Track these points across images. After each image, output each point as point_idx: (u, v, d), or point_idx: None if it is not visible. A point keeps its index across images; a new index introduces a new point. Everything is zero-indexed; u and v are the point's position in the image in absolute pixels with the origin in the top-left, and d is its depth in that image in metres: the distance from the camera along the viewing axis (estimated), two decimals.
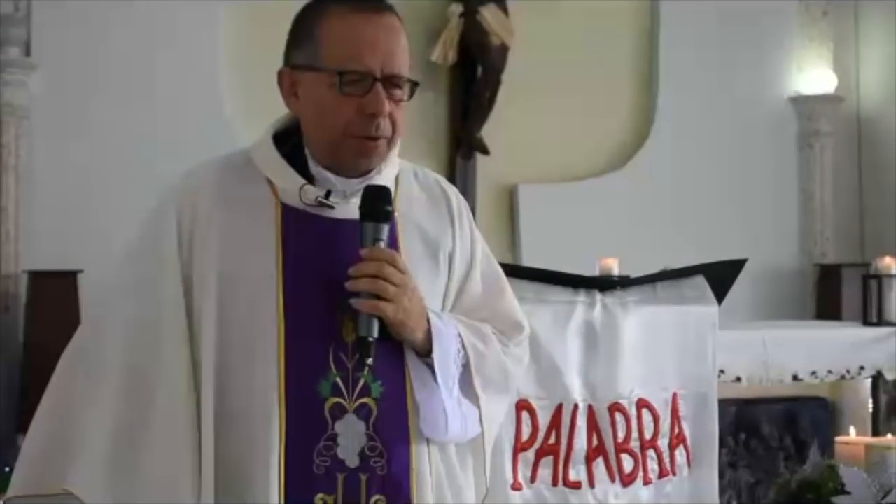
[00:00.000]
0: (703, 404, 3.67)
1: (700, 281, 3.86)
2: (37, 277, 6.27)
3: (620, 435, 3.58)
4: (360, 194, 2.03)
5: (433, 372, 2.05)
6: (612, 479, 3.56)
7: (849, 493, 4.04)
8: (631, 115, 8.05)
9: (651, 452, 3.64)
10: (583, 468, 3.54)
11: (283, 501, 1.93)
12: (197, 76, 6.77)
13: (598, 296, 3.66)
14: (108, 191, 6.55)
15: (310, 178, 2.05)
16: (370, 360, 1.97)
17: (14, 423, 6.13)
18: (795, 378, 4.89)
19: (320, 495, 1.96)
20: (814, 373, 4.92)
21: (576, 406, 3.52)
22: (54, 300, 6.23)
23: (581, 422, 3.54)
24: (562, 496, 3.52)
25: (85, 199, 6.51)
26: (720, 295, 3.88)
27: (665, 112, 7.98)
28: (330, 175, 2.04)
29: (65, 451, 2.01)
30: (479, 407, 2.11)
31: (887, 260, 5.54)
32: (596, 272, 5.46)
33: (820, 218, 8.36)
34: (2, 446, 5.95)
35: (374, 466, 1.99)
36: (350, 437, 1.98)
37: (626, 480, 3.59)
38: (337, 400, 1.98)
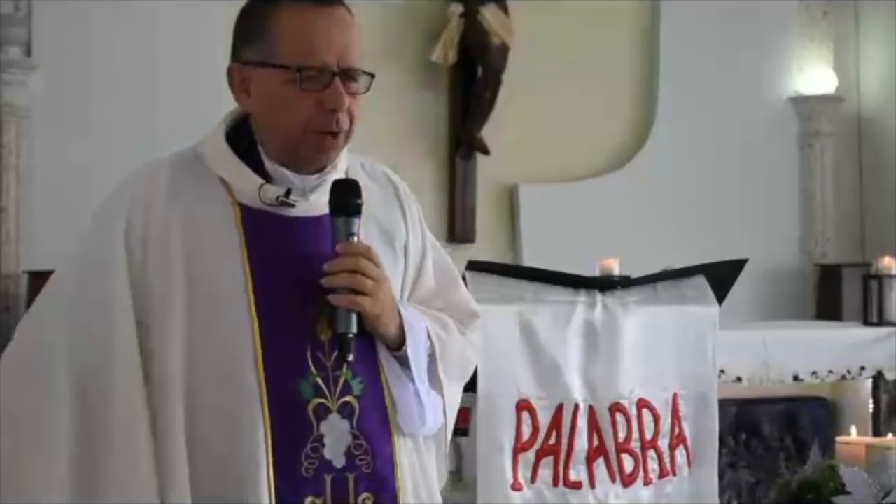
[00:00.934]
0: (704, 404, 3.67)
1: (700, 281, 3.86)
2: (37, 277, 6.26)
3: (621, 435, 3.58)
4: (319, 190, 2.01)
5: (401, 365, 2.05)
6: (613, 480, 3.57)
7: (849, 493, 4.03)
8: (631, 115, 8.05)
9: (651, 452, 3.64)
10: (583, 468, 3.54)
11: None
12: (197, 76, 6.76)
13: (598, 296, 3.66)
14: (108, 191, 6.55)
15: (265, 177, 2.01)
16: (351, 357, 1.96)
17: None
18: (796, 378, 4.88)
19: (310, 498, 1.94)
20: (814, 373, 4.91)
21: (576, 406, 3.52)
22: None
23: (582, 422, 3.55)
24: (562, 496, 3.52)
25: (85, 199, 6.49)
26: (720, 295, 3.88)
27: (665, 112, 7.98)
28: (288, 172, 2.00)
29: (23, 464, 1.94)
30: (442, 396, 2.10)
31: (887, 260, 5.54)
32: (596, 272, 5.46)
33: (820, 218, 8.36)
34: None
35: (360, 465, 1.98)
36: (335, 437, 1.96)
37: (627, 480, 3.59)
38: (319, 400, 1.95)
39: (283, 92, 1.96)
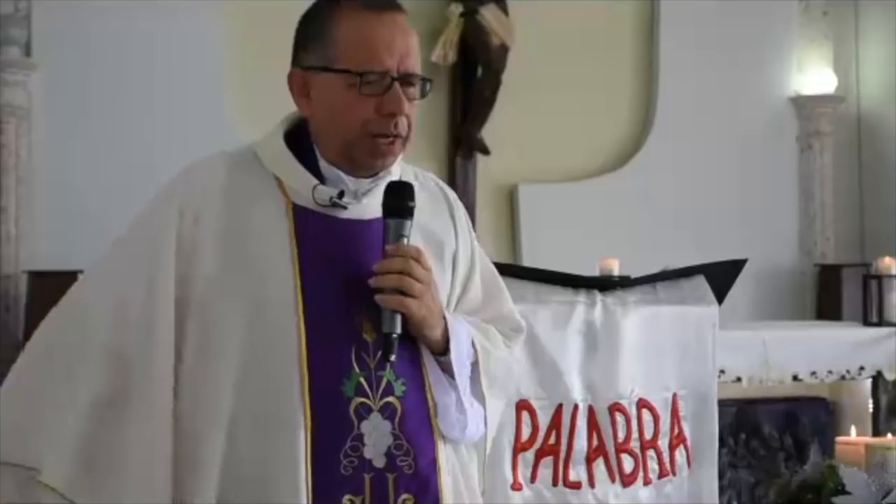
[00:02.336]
0: (703, 404, 3.67)
1: (700, 281, 3.86)
2: (37, 277, 6.27)
3: (621, 435, 3.59)
4: (371, 194, 2.03)
5: (444, 371, 2.05)
6: (613, 480, 3.57)
7: (849, 493, 4.03)
8: (631, 115, 8.05)
9: (651, 452, 3.64)
10: (583, 468, 3.54)
11: (310, 503, 1.91)
12: (197, 76, 6.76)
13: (598, 296, 3.66)
14: (108, 191, 6.55)
15: (320, 178, 2.03)
16: (393, 357, 1.96)
17: None
18: (795, 378, 4.89)
19: (348, 496, 1.94)
20: (814, 373, 4.92)
21: (576, 406, 3.52)
22: (54, 300, 6.22)
23: (581, 422, 3.55)
24: (562, 496, 3.52)
25: (85, 199, 6.51)
26: (720, 295, 3.89)
27: (665, 112, 7.98)
28: (342, 174, 2.03)
29: (38, 427, 1.96)
30: (483, 406, 2.11)
31: (887, 260, 5.55)
32: (596, 272, 5.46)
33: (820, 218, 8.36)
34: None
35: (401, 465, 1.98)
36: (376, 437, 1.96)
37: (627, 481, 3.59)
38: (362, 400, 1.96)
39: (343, 96, 1.99)
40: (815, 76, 8.36)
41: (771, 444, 5.12)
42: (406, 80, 2.03)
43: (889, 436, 4.79)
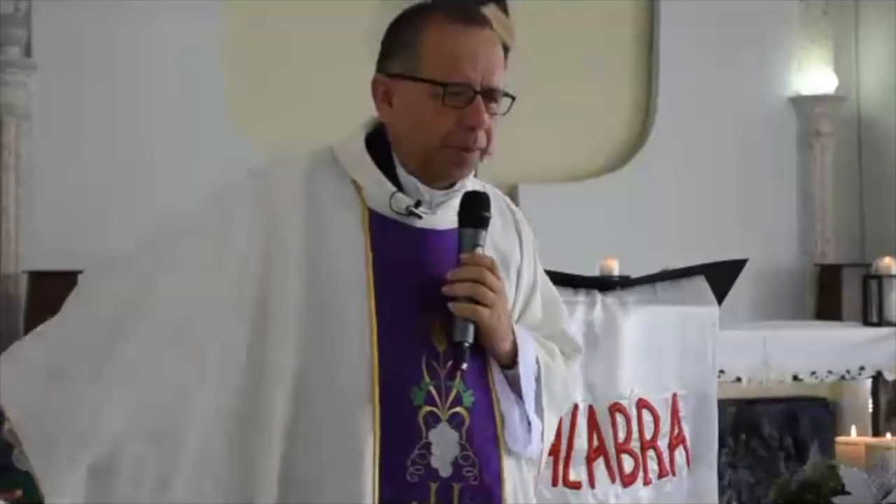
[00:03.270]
0: (703, 404, 3.67)
1: (700, 281, 3.86)
2: (37, 277, 6.27)
3: (621, 435, 3.59)
4: (444, 206, 2.04)
5: (509, 384, 2.05)
6: (613, 480, 3.57)
7: (849, 493, 4.03)
8: (631, 115, 8.05)
9: (651, 453, 3.64)
10: (583, 468, 3.54)
11: None
12: (195, 76, 6.76)
13: (598, 296, 3.66)
14: (107, 191, 6.55)
15: (397, 186, 2.04)
16: (465, 366, 1.96)
17: None
18: (795, 378, 4.89)
19: None
20: (814, 373, 4.92)
21: (576, 406, 3.52)
22: (54, 300, 6.22)
23: (581, 422, 3.55)
24: (562, 496, 3.52)
25: (85, 199, 6.51)
26: (720, 295, 3.89)
27: (665, 112, 7.98)
28: (419, 184, 2.03)
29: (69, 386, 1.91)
30: (542, 421, 2.11)
31: (887, 260, 5.54)
32: (596, 272, 5.46)
33: (820, 218, 8.35)
34: (2, 447, 5.95)
35: (467, 476, 1.97)
36: (443, 447, 1.96)
37: (627, 481, 3.59)
38: (430, 408, 1.96)
39: (426, 105, 2.00)
40: (815, 76, 8.36)
41: (771, 444, 5.12)
42: (489, 94, 2.03)
43: (889, 436, 4.78)
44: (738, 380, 4.65)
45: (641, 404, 3.64)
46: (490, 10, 7.23)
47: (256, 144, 6.83)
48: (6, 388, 1.89)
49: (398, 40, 2.08)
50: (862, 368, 5.01)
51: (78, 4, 6.48)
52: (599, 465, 3.57)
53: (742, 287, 4.01)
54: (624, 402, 3.58)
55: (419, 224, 2.03)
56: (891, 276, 5.42)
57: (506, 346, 2.03)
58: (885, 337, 5.12)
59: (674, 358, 3.68)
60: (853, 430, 4.82)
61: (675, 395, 3.64)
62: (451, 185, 2.06)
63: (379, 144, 2.07)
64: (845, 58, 8.43)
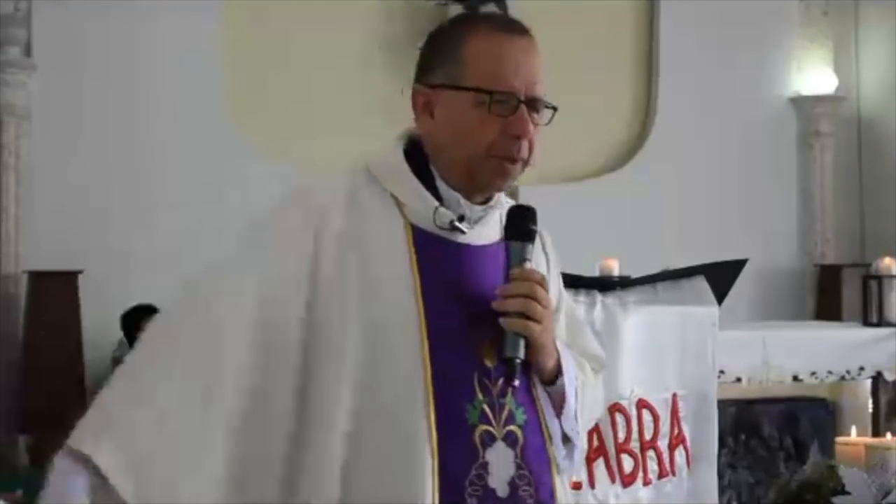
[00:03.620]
0: (703, 404, 3.67)
1: (700, 281, 3.86)
2: (37, 277, 6.27)
3: (621, 435, 3.59)
4: (482, 221, 2.01)
5: (551, 399, 2.03)
6: (613, 480, 3.57)
7: (849, 493, 4.03)
8: (631, 115, 8.05)
9: (651, 453, 3.64)
10: (583, 469, 3.54)
11: None
12: (195, 76, 6.77)
13: (598, 296, 3.66)
14: (107, 191, 6.56)
15: (438, 200, 1.99)
16: (517, 382, 1.93)
17: (14, 422, 6.13)
18: (795, 378, 4.88)
19: None
20: (814, 373, 4.91)
21: None
22: (54, 300, 6.23)
23: None
24: None
25: (85, 199, 6.51)
26: (720, 295, 3.89)
27: (665, 112, 7.98)
28: (460, 198, 1.99)
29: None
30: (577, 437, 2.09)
31: (887, 260, 5.53)
32: (596, 272, 5.46)
33: (820, 218, 8.36)
34: (1, 446, 5.96)
35: (523, 495, 1.94)
36: (500, 466, 1.93)
37: (626, 481, 3.59)
38: (486, 427, 1.93)
39: (470, 114, 1.96)
40: (815, 76, 8.36)
41: (771, 444, 5.11)
42: (532, 104, 1.99)
43: (889, 436, 4.78)
44: (738, 380, 4.64)
45: (641, 404, 3.64)
46: (490, 10, 7.23)
47: (256, 144, 6.84)
48: (109, 460, 1.85)
49: (439, 51, 2.03)
50: (862, 369, 5.00)
51: (78, 5, 6.49)
52: (599, 465, 3.57)
53: (742, 287, 4.01)
54: (624, 403, 3.58)
55: (460, 239, 1.98)
56: (891, 277, 5.42)
57: (551, 363, 2.00)
58: (885, 337, 5.11)
59: (674, 358, 3.68)
60: (853, 430, 4.82)
61: (675, 396, 3.64)
62: (488, 200, 2.02)
63: (416, 158, 2.03)
64: (845, 58, 8.44)
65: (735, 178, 8.00)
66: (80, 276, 6.23)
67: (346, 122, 7.03)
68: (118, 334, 6.17)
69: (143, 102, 6.65)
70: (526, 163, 2.00)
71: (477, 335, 1.95)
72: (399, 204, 1.99)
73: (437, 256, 1.97)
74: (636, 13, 8.06)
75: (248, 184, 6.87)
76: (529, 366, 1.98)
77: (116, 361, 6.65)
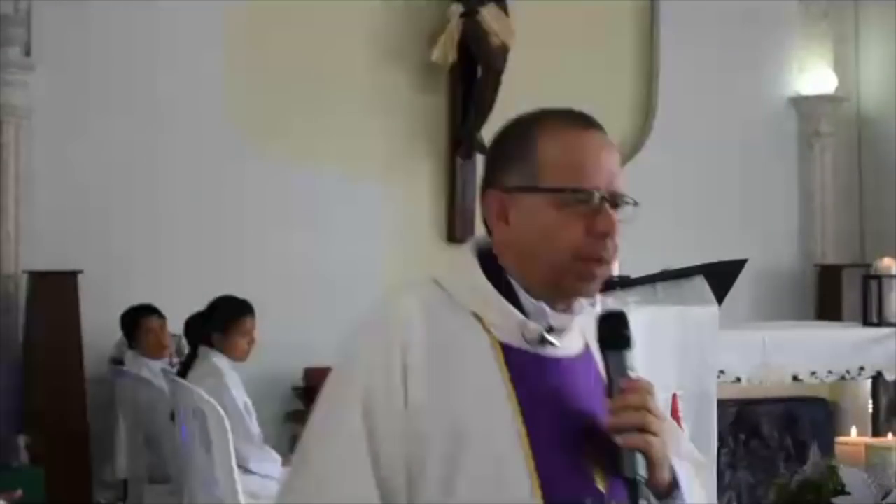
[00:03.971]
0: (703, 404, 3.68)
1: (700, 281, 3.86)
2: (37, 277, 6.27)
3: None
4: (570, 331, 1.87)
5: None
6: None
7: (849, 493, 4.03)
8: (631, 115, 8.05)
9: None
10: None
11: None
12: (196, 77, 6.76)
13: (598, 296, 3.66)
14: (108, 191, 6.55)
15: (522, 313, 1.85)
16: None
17: (14, 423, 6.13)
18: (795, 378, 4.88)
19: None
20: (814, 373, 4.90)
21: None
22: (54, 300, 6.23)
23: None
24: None
25: (85, 200, 6.51)
26: (720, 295, 3.89)
27: (665, 112, 7.98)
28: (546, 308, 1.84)
29: None
30: None
31: (887, 261, 5.53)
32: None
33: (820, 218, 8.36)
34: (2, 446, 5.95)
35: None
36: None
37: None
38: None
39: (551, 217, 1.82)
40: (815, 76, 8.36)
41: (771, 444, 5.11)
42: (614, 200, 1.86)
43: (889, 436, 4.78)
44: (738, 380, 4.64)
45: None
46: (490, 10, 7.24)
47: (256, 145, 6.84)
48: None
49: (509, 152, 1.91)
50: (862, 369, 5.00)
51: (78, 4, 6.48)
52: None
53: (742, 287, 4.01)
54: None
55: (551, 352, 1.84)
56: (891, 277, 5.41)
57: (667, 476, 1.84)
58: (885, 337, 5.11)
59: (674, 358, 3.69)
60: (853, 430, 4.82)
61: (674, 396, 3.65)
62: (569, 308, 1.87)
63: (489, 268, 1.87)
64: (845, 58, 8.44)
65: (735, 178, 8.00)
66: (80, 276, 6.23)
67: (348, 122, 7.03)
68: (118, 334, 6.17)
69: (143, 102, 6.64)
70: (610, 264, 1.87)
71: (585, 457, 1.80)
72: (482, 321, 1.83)
73: (531, 374, 1.82)
74: (636, 13, 8.06)
75: (248, 184, 6.87)
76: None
77: (115, 361, 6.65)
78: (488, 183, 1.90)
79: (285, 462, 5.28)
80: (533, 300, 1.84)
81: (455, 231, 7.39)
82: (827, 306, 7.98)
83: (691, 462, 2.02)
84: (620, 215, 1.87)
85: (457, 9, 7.20)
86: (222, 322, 5.25)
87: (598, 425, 1.81)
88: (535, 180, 1.85)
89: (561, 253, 1.82)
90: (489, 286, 1.85)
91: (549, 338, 1.83)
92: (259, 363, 5.56)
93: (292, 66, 6.95)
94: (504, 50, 7.24)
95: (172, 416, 5.18)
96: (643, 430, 1.79)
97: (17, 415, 6.18)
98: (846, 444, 4.51)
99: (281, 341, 6.16)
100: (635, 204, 1.90)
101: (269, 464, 5.17)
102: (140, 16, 6.62)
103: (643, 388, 1.83)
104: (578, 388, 1.85)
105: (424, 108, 7.35)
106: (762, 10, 8.11)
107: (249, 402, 5.25)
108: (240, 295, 5.37)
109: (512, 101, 7.25)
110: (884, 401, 5.39)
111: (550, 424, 1.80)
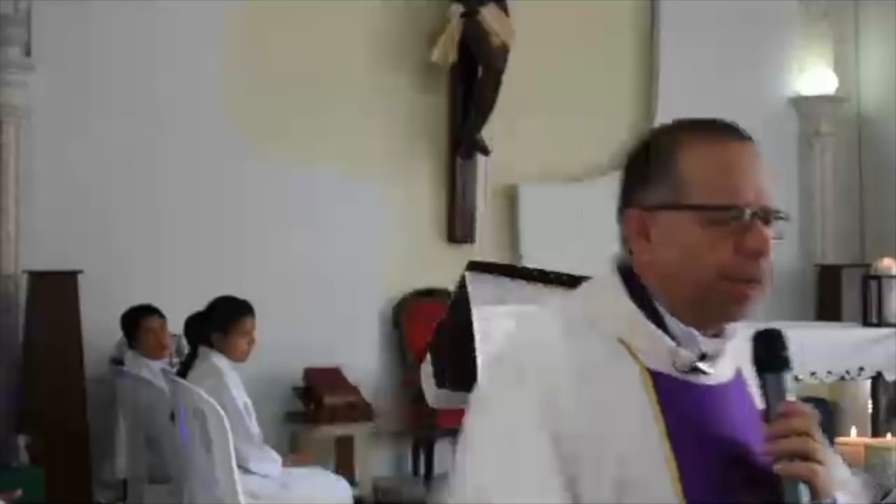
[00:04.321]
0: None
1: None
2: (37, 277, 6.26)
3: None
4: (722, 356, 1.77)
5: None
6: None
7: None
8: (631, 115, 8.05)
9: None
10: None
11: None
12: (195, 76, 6.76)
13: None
14: (107, 191, 6.55)
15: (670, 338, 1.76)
16: None
17: (14, 423, 6.13)
18: (795, 378, 4.88)
19: None
20: (813, 373, 4.90)
21: None
22: (54, 300, 6.23)
23: None
24: None
25: (84, 200, 6.51)
26: None
27: (665, 112, 7.96)
28: (696, 334, 1.74)
29: None
30: None
31: (887, 261, 5.53)
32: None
33: (820, 218, 8.36)
34: (1, 446, 5.95)
35: None
36: None
37: None
38: None
39: (696, 235, 1.72)
40: (815, 76, 8.36)
41: None
42: (767, 216, 1.77)
43: (889, 436, 4.78)
44: None
45: None
46: (490, 10, 7.24)
47: (256, 144, 6.84)
48: None
49: (647, 168, 1.80)
50: (861, 369, 5.00)
51: (78, 4, 6.48)
52: None
53: None
54: None
55: (703, 380, 1.74)
56: (891, 277, 5.41)
57: None
58: (885, 337, 5.11)
59: None
60: (853, 430, 4.82)
61: None
62: (721, 332, 1.78)
63: (632, 290, 1.77)
64: (845, 58, 8.43)
65: None
66: (80, 276, 6.23)
67: (348, 122, 7.03)
68: (118, 334, 6.17)
69: (143, 102, 6.64)
70: (763, 285, 1.75)
71: (741, 492, 1.71)
72: (628, 347, 1.74)
73: (683, 404, 1.72)
74: (636, 13, 8.06)
75: (247, 184, 6.87)
76: None
77: (115, 361, 6.64)
78: (627, 202, 1.81)
79: (285, 462, 5.28)
80: (681, 325, 1.75)
81: (455, 231, 7.39)
82: (827, 306, 7.98)
83: (851, 492, 1.92)
84: (772, 232, 1.77)
85: (457, 9, 7.20)
86: (222, 322, 5.25)
87: (751, 453, 1.71)
88: (677, 197, 1.74)
89: (706, 272, 1.71)
90: (636, 311, 1.75)
91: (702, 366, 1.73)
92: (259, 363, 5.56)
93: (292, 66, 6.95)
94: (504, 50, 7.24)
95: (172, 416, 5.18)
96: (806, 457, 1.67)
97: (16, 415, 6.18)
98: (846, 444, 4.51)
99: (281, 341, 6.16)
100: (787, 219, 1.82)
101: (269, 464, 5.17)
102: (140, 16, 6.62)
103: (805, 413, 1.71)
104: (731, 415, 1.75)
105: (424, 108, 7.35)
106: (762, 10, 8.11)
107: (249, 402, 5.25)
108: (239, 295, 5.37)
109: (512, 101, 7.26)
110: (883, 401, 5.39)
111: (700, 451, 1.70)
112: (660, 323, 1.74)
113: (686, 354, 1.72)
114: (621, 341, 1.74)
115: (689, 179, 1.74)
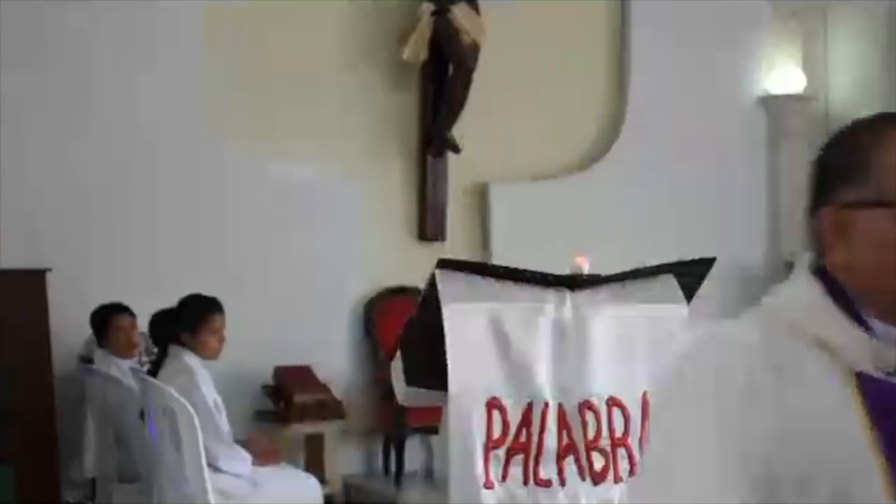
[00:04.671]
0: None
1: (669, 279, 3.87)
2: (4, 276, 6.21)
3: (591, 433, 3.59)
4: None
5: None
6: (583, 478, 3.58)
7: None
8: (602, 113, 8.07)
9: (622, 451, 3.65)
10: (553, 467, 3.55)
11: None
12: (173, 75, 6.72)
13: (567, 294, 3.67)
14: (77, 191, 6.51)
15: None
16: None
17: None
18: None
19: None
20: None
21: (546, 404, 3.53)
22: (22, 298, 6.18)
23: (551, 420, 3.55)
24: (533, 495, 3.53)
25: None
26: (689, 293, 3.90)
27: (636, 111, 8.01)
28: None
29: None
30: None
31: None
32: (567, 270, 5.46)
33: (788, 216, 8.41)
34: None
35: None
36: None
37: (597, 479, 3.60)
38: None
39: None
40: (784, 76, 8.41)
41: None
42: None
43: None
44: None
45: (612, 402, 3.65)
46: (461, 8, 7.24)
47: (235, 144, 6.81)
48: None
49: (842, 164, 1.75)
50: None
51: (46, 4, 6.43)
52: (570, 463, 3.57)
53: (711, 285, 4.03)
54: (594, 400, 3.58)
55: None
56: None
57: None
58: None
59: (644, 356, 3.69)
60: None
61: (645, 394, 3.65)
62: None
63: (828, 291, 1.74)
64: (814, 57, 8.49)
65: (705, 177, 8.03)
66: (49, 275, 6.19)
67: (321, 120, 7.02)
68: (87, 332, 6.13)
69: (114, 102, 6.59)
70: None
71: None
72: (830, 349, 1.71)
73: (888, 404, 1.68)
74: (608, 13, 8.08)
75: (225, 182, 6.84)
76: None
77: (84, 360, 6.59)
78: (820, 200, 1.76)
79: (255, 461, 5.27)
80: (884, 325, 1.70)
81: (426, 229, 7.39)
82: None
83: None
84: None
85: (428, 7, 7.19)
86: (191, 320, 5.22)
87: None
88: (879, 194, 1.69)
89: None
90: (836, 311, 1.72)
91: None
92: (229, 361, 5.54)
93: (270, 67, 6.92)
94: (475, 48, 7.24)
95: (142, 415, 5.16)
96: None
97: None
98: None
99: (251, 339, 6.14)
100: None
101: (239, 462, 5.15)
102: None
103: None
104: None
105: (395, 106, 7.34)
106: (732, 10, 8.15)
107: (220, 400, 5.23)
108: (210, 292, 5.35)
109: (483, 99, 7.27)
110: None
111: None
112: (859, 323, 1.71)
113: (892, 353, 1.68)
114: (821, 343, 1.71)
115: (893, 175, 1.69)
